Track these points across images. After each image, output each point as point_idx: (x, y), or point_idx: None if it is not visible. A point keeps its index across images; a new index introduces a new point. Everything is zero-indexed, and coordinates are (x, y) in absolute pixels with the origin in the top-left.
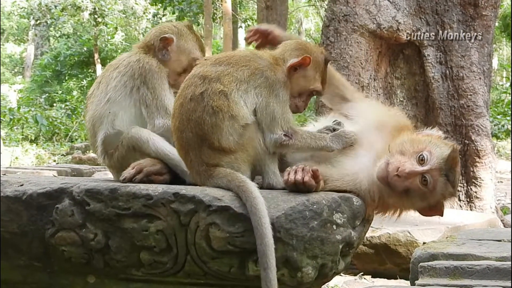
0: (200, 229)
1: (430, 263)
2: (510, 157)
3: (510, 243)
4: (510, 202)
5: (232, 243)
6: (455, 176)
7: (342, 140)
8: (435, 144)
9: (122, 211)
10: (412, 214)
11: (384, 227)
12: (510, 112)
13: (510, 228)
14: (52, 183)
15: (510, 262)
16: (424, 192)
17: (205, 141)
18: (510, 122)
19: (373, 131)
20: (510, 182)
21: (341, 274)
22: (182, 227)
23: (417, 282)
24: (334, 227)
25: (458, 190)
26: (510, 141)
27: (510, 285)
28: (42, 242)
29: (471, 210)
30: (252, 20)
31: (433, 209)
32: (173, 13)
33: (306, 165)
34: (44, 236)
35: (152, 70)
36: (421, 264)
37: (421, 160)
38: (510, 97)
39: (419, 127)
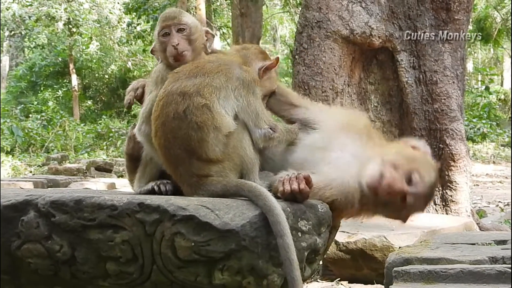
0: (166, 239)
1: (404, 267)
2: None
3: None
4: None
5: (197, 252)
6: (433, 197)
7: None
8: (425, 167)
9: (87, 222)
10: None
11: (360, 233)
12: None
13: (483, 232)
14: (17, 195)
15: (483, 266)
16: (401, 206)
17: (193, 154)
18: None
19: (340, 133)
20: (486, 185)
21: (318, 280)
22: (148, 237)
23: (391, 287)
24: (299, 234)
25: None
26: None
27: None
28: (9, 255)
29: (446, 214)
30: (227, 27)
31: (399, 217)
32: (148, 22)
33: (299, 172)
34: (10, 248)
35: None
36: (395, 269)
37: (410, 181)
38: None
39: (394, 132)
